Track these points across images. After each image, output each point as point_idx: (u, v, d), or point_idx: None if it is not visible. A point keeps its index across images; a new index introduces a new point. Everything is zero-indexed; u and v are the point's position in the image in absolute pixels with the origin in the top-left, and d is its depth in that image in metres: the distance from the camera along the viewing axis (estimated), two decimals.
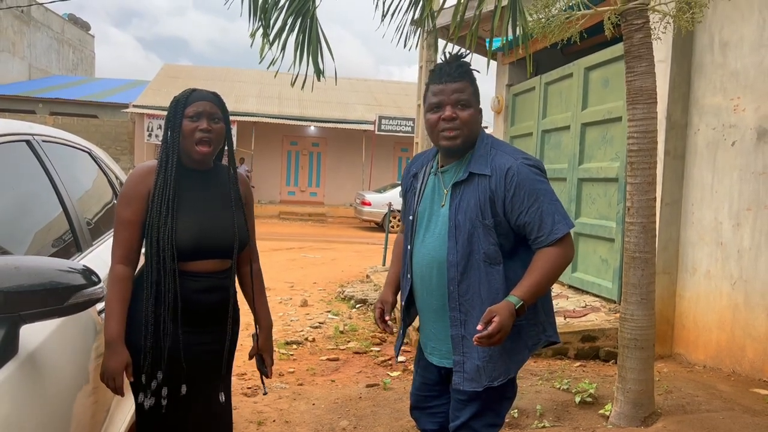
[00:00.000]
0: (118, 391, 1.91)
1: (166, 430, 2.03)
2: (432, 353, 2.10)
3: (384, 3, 3.29)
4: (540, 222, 1.88)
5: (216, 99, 2.06)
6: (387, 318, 2.13)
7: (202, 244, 1.98)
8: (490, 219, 1.91)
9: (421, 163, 2.15)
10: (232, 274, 2.12)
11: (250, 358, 2.30)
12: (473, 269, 1.93)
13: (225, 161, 2.18)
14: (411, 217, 2.10)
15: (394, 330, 2.25)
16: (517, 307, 1.80)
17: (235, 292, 2.14)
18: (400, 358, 4.72)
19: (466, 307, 1.95)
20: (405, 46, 3.51)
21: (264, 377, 2.29)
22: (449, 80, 1.94)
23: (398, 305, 2.24)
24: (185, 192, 2.01)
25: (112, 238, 2.29)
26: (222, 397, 2.14)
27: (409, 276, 2.10)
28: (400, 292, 2.22)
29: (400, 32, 3.49)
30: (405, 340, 2.25)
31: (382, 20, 3.27)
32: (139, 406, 2.01)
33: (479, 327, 1.77)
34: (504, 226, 1.92)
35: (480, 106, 2.00)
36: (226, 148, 2.15)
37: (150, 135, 19.63)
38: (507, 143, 2.09)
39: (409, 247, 2.10)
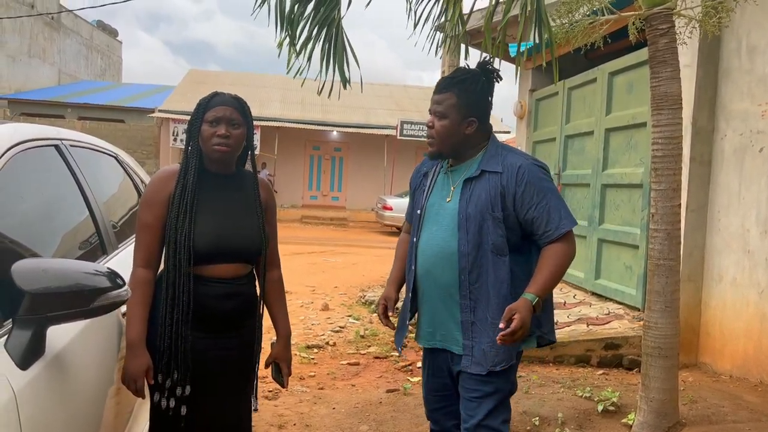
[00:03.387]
0: (139, 393, 1.93)
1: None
2: (425, 337, 2.24)
3: (416, 13, 3.31)
4: (548, 217, 2.02)
5: (237, 104, 2.06)
6: (390, 314, 2.28)
7: (220, 248, 1.98)
8: (500, 212, 2.04)
9: (432, 164, 2.29)
10: (253, 279, 2.13)
11: (266, 366, 2.26)
12: (482, 259, 2.06)
13: (249, 166, 2.19)
14: (419, 211, 2.22)
15: (396, 326, 2.37)
16: (534, 303, 1.92)
17: (256, 299, 2.14)
18: (421, 364, 4.71)
19: (476, 295, 2.08)
20: (436, 54, 3.55)
21: (280, 387, 2.29)
22: (436, 91, 2.14)
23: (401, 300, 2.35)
24: (206, 196, 2.01)
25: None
26: (254, 404, 2.17)
27: (413, 268, 2.22)
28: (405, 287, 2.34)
29: (431, 40, 3.51)
30: (407, 334, 2.32)
31: (414, 29, 3.29)
32: (154, 406, 2.01)
33: (501, 325, 1.88)
34: (512, 219, 2.05)
35: (471, 117, 2.10)
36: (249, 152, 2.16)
37: (175, 139, 19.88)
38: (516, 148, 2.25)
39: (415, 240, 2.22)
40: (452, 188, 2.15)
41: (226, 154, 2.01)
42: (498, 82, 2.17)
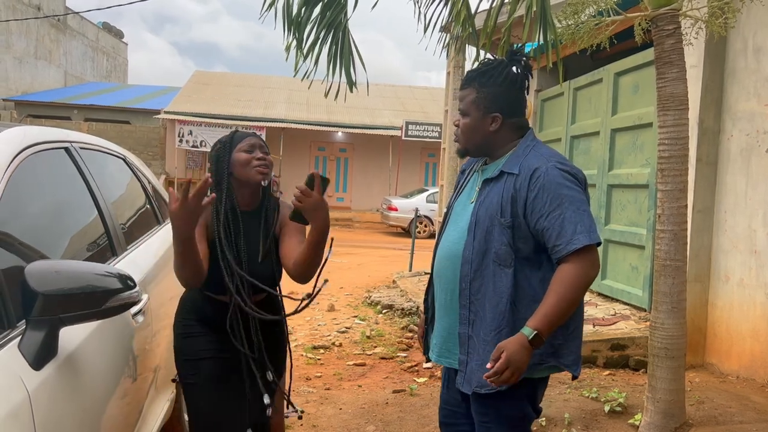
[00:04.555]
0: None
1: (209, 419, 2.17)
2: (433, 350, 2.06)
3: (425, 16, 3.32)
4: (560, 230, 1.76)
5: (259, 138, 2.26)
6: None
7: (264, 283, 2.18)
8: (508, 218, 1.83)
9: (472, 161, 2.12)
10: (274, 300, 2.31)
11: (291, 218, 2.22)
12: (486, 268, 1.86)
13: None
14: (447, 210, 2.09)
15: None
16: (530, 338, 1.68)
17: (273, 315, 2.27)
18: (427, 365, 4.72)
19: (476, 307, 1.88)
20: (441, 55, 3.55)
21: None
22: (460, 87, 2.01)
23: None
24: (234, 237, 2.17)
25: (145, 245, 2.41)
26: (268, 404, 2.23)
27: (432, 268, 2.09)
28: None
29: (440, 42, 3.51)
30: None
31: (425, 32, 3.30)
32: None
33: (488, 365, 1.70)
34: (523, 228, 1.83)
35: (494, 113, 1.93)
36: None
37: (181, 141, 19.95)
38: (552, 148, 2.03)
39: (437, 240, 2.10)
40: (477, 189, 1.97)
41: (266, 176, 2.18)
42: (528, 72, 1.98)
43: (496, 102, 1.92)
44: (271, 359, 2.27)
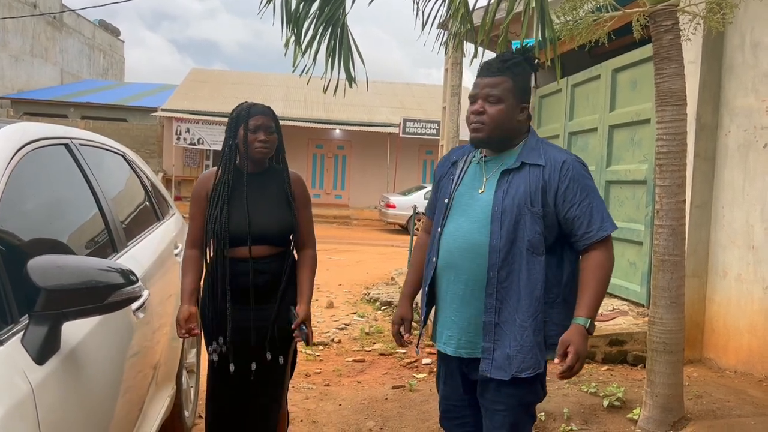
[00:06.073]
0: (181, 335, 2.35)
1: (223, 381, 2.45)
2: (448, 342, 2.04)
3: (423, 13, 3.32)
4: (590, 217, 1.90)
5: (271, 112, 2.44)
6: (405, 336, 2.18)
7: (252, 233, 2.35)
8: (540, 207, 1.90)
9: (462, 153, 2.14)
10: (282, 258, 2.46)
11: (293, 329, 2.42)
12: (515, 256, 1.91)
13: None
14: (446, 200, 2.06)
15: (412, 341, 2.28)
16: (587, 327, 1.82)
17: (283, 275, 2.44)
18: (426, 360, 4.73)
19: (503, 294, 1.93)
20: (439, 51, 3.55)
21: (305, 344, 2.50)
22: (486, 74, 1.97)
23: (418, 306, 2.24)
24: (238, 191, 2.39)
25: (145, 241, 2.55)
26: (269, 356, 2.42)
27: (434, 260, 2.06)
28: (420, 293, 2.20)
29: (439, 39, 3.51)
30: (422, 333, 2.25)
31: (423, 29, 3.30)
32: (209, 363, 2.48)
33: (556, 361, 1.80)
34: (551, 217, 1.92)
35: (524, 104, 1.99)
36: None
37: (178, 138, 19.90)
38: (554, 144, 2.11)
39: (439, 230, 2.06)
40: (485, 179, 1.99)
41: (265, 155, 2.42)
42: (535, 72, 2.07)
43: (527, 93, 2.02)
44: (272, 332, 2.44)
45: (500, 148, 2.01)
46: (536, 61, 2.07)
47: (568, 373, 1.79)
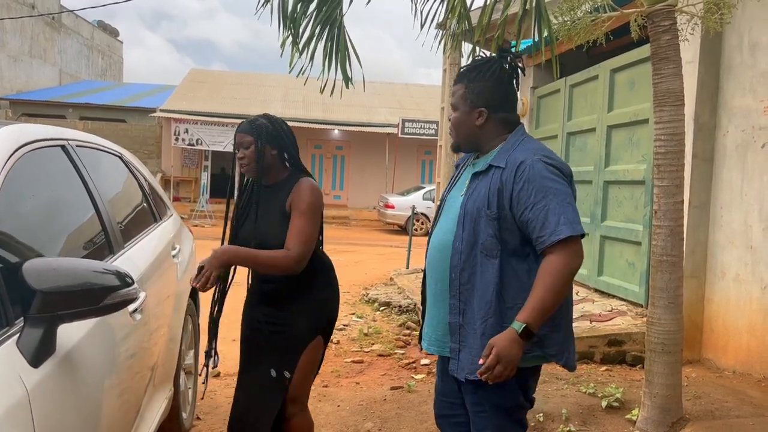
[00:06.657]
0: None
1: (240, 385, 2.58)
2: (425, 339, 2.11)
3: (422, 12, 3.31)
4: (544, 221, 1.81)
5: (246, 127, 2.52)
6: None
7: (257, 245, 2.44)
8: (495, 210, 1.88)
9: (466, 156, 2.19)
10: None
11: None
12: (475, 258, 1.92)
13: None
14: (440, 203, 2.15)
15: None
16: (520, 332, 1.74)
17: (291, 285, 2.50)
18: (425, 361, 4.73)
19: (466, 296, 1.94)
20: (444, 53, 3.54)
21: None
22: (453, 83, 2.08)
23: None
24: (252, 204, 2.54)
25: (142, 243, 2.44)
26: (273, 372, 2.47)
27: (425, 260, 2.14)
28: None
29: (437, 39, 3.50)
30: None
31: (421, 29, 3.30)
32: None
33: (480, 361, 1.76)
34: (509, 220, 1.88)
35: (479, 108, 2.00)
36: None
37: (177, 139, 19.85)
38: (540, 142, 2.07)
39: (431, 231, 2.16)
40: (467, 182, 2.03)
41: (249, 171, 2.53)
42: (519, 67, 2.07)
43: (481, 97, 2.00)
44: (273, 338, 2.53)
45: (482, 151, 2.06)
46: (513, 57, 2.05)
47: (487, 374, 1.74)
